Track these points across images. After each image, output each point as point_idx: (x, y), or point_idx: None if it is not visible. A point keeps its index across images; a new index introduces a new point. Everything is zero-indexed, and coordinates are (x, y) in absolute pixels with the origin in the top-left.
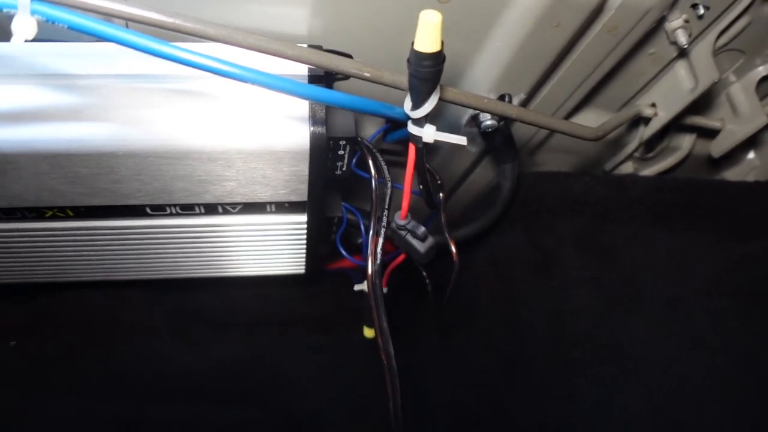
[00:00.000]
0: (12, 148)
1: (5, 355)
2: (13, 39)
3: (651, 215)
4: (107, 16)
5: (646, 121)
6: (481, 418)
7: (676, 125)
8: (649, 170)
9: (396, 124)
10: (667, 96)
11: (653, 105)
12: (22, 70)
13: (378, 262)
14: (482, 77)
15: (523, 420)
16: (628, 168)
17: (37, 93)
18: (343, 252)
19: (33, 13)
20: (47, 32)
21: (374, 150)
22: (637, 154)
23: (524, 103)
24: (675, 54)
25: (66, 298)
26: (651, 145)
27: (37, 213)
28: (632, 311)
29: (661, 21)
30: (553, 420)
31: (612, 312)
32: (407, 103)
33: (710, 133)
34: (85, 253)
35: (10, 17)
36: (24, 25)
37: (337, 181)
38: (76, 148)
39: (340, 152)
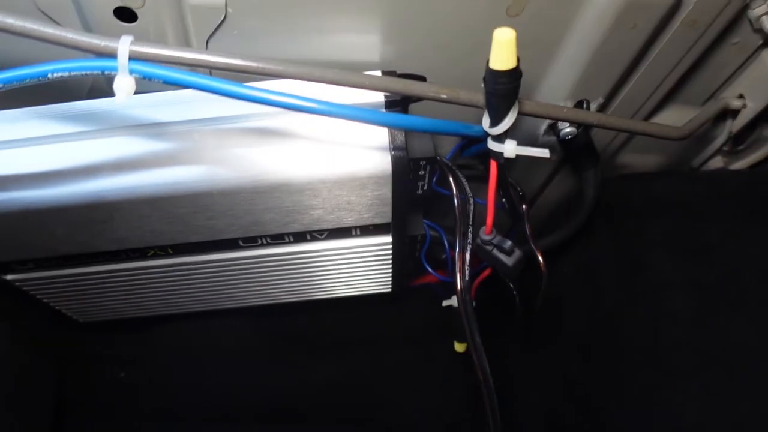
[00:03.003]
0: (117, 195)
1: (117, 386)
2: (116, 98)
3: (746, 211)
4: (195, 66)
5: (734, 113)
6: (578, 430)
7: (767, 115)
8: (740, 163)
9: (471, 140)
10: (755, 86)
11: (741, 96)
12: (118, 122)
13: (467, 278)
14: (558, 85)
15: (624, 431)
16: (717, 163)
17: (134, 143)
18: (429, 269)
19: (131, 72)
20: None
21: (453, 167)
22: (725, 148)
23: (603, 107)
24: (761, 41)
25: (169, 329)
26: (740, 137)
27: (140, 253)
28: (735, 314)
29: (743, 9)
30: (657, 431)
31: (713, 315)
32: (485, 121)
33: None
34: (185, 285)
35: (110, 78)
36: (124, 84)
37: (418, 200)
38: (174, 190)
39: (421, 172)
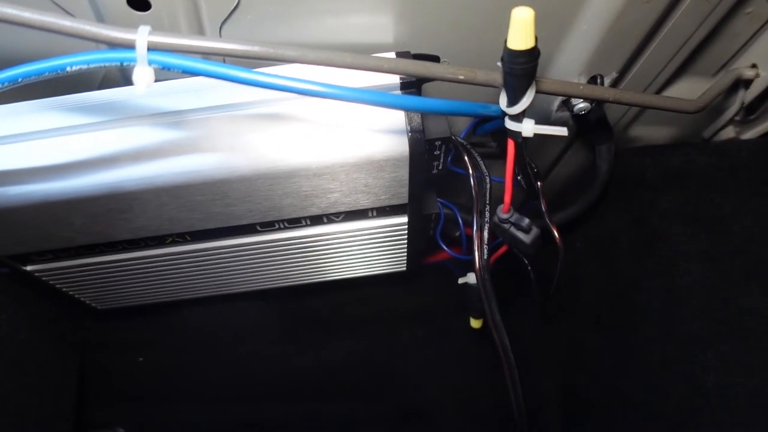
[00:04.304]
0: (136, 185)
1: (135, 370)
2: (136, 88)
3: (758, 181)
4: (211, 54)
5: (747, 83)
6: (594, 402)
7: None
8: (752, 133)
9: (486, 118)
10: None
11: (754, 66)
12: (135, 112)
13: (485, 256)
14: (571, 61)
15: (639, 402)
16: (728, 133)
17: (152, 132)
18: (444, 247)
19: (150, 63)
20: None
21: (468, 146)
22: (737, 118)
23: (616, 82)
24: None
25: (185, 314)
26: (753, 107)
27: (159, 240)
28: (750, 284)
29: None
30: (673, 401)
31: (728, 286)
32: (503, 100)
33: None
34: (202, 271)
35: (130, 69)
36: (143, 75)
37: (433, 179)
38: (193, 178)
39: (436, 152)
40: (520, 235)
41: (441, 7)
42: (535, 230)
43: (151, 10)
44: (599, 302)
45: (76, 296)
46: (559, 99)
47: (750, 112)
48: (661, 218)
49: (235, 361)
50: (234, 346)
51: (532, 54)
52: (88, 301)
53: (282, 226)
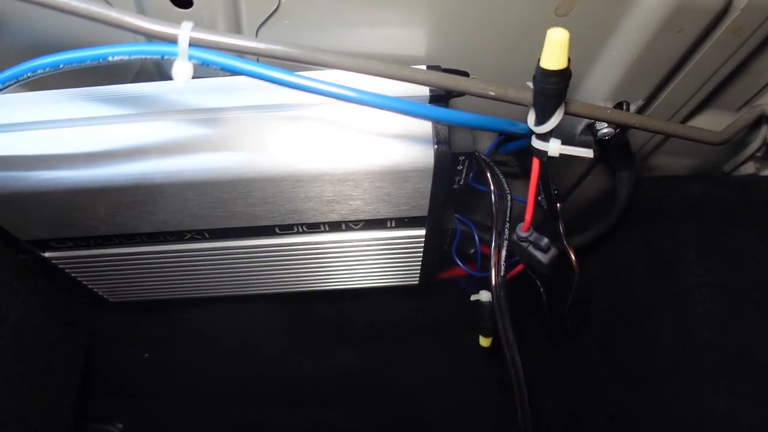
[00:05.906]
0: (163, 178)
1: (140, 365)
2: (175, 82)
3: None
4: (247, 54)
5: None
6: (598, 426)
7: None
8: None
9: (509, 137)
10: None
11: None
12: (167, 107)
13: (502, 274)
14: (598, 86)
15: (645, 430)
16: (749, 168)
17: (182, 127)
18: (460, 263)
19: (190, 58)
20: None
21: (491, 163)
22: (758, 154)
23: (642, 109)
24: None
25: (195, 313)
26: None
27: (178, 236)
28: (763, 318)
29: None
30: (680, 430)
31: (741, 318)
32: (531, 118)
33: None
34: (217, 270)
35: (167, 63)
36: (183, 69)
37: (452, 195)
38: (218, 175)
39: (459, 167)
40: (538, 254)
41: (476, 24)
42: (553, 251)
43: (192, 8)
44: (609, 327)
45: (90, 287)
46: (584, 123)
47: None
48: (678, 247)
49: (241, 364)
50: (240, 348)
51: (564, 74)
52: (100, 293)
53: (301, 230)
